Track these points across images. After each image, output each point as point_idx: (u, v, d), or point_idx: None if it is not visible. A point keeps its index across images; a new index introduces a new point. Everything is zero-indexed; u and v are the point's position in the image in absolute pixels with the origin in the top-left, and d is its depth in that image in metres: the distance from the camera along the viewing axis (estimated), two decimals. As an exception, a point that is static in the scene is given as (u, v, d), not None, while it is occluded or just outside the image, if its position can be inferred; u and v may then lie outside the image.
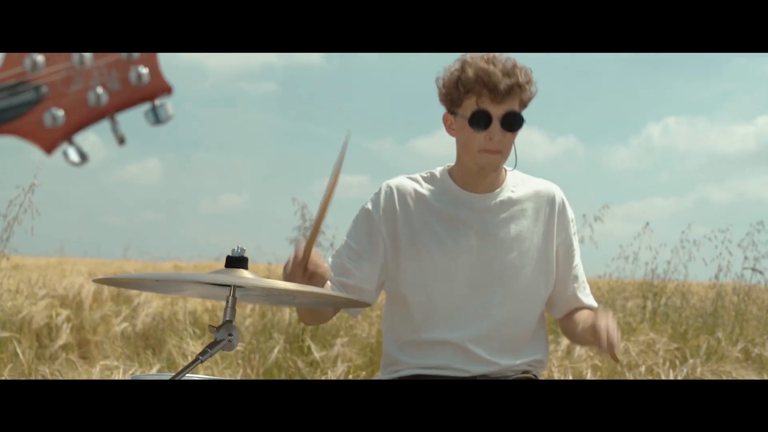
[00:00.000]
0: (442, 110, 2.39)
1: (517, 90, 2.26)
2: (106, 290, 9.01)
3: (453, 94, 2.32)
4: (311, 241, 2.09)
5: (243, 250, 1.87)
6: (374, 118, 16.37)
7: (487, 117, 2.26)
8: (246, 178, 17.34)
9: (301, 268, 2.09)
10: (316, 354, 5.89)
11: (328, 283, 2.29)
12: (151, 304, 7.51)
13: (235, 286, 1.88)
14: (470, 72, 2.27)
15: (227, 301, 1.89)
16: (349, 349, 6.08)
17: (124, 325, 6.87)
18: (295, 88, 18.03)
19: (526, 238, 2.41)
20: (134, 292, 8.30)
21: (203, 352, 1.84)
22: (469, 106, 2.29)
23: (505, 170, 2.46)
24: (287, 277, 2.10)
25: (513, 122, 2.27)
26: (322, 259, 2.18)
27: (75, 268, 11.60)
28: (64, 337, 6.31)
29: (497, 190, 2.42)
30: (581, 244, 7.97)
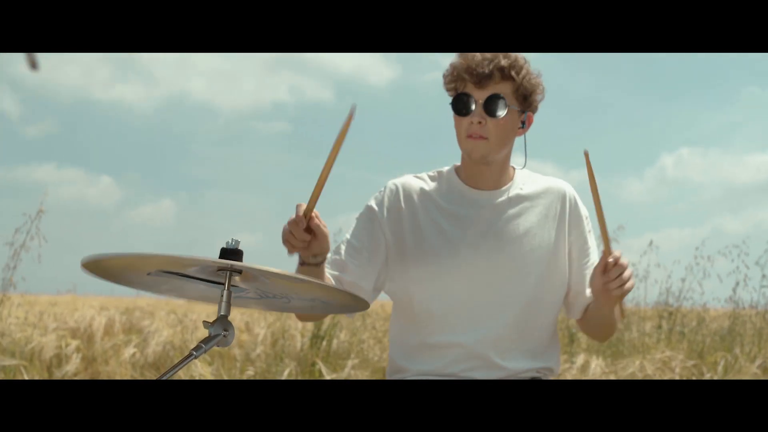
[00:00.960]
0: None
1: (498, 74, 2.21)
2: (118, 322, 9.00)
3: (448, 85, 2.28)
4: (313, 201, 1.99)
5: (237, 243, 1.82)
6: (386, 155, 16.40)
7: (467, 100, 2.22)
8: (259, 216, 17.38)
9: (301, 228, 2.01)
10: (327, 377, 5.83)
11: (326, 274, 2.22)
12: (161, 333, 7.48)
13: (231, 280, 1.83)
14: (456, 60, 2.26)
15: (222, 295, 1.83)
16: (360, 371, 6.02)
17: (134, 351, 6.83)
18: (307, 126, 18.13)
19: (536, 235, 2.33)
20: (146, 322, 8.27)
21: (197, 347, 1.78)
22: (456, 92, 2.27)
23: (514, 168, 2.40)
24: (286, 237, 2.03)
25: (494, 106, 2.20)
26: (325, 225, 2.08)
27: (87, 303, 11.60)
28: (73, 365, 6.27)
29: (505, 187, 2.35)
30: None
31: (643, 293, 8.25)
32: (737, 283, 7.80)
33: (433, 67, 16.87)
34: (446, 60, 2.32)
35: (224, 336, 1.82)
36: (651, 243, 8.12)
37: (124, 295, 14.58)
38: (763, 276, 7.98)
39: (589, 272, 2.38)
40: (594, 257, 2.42)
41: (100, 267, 1.78)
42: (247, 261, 1.77)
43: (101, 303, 12.50)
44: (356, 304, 1.92)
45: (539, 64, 2.29)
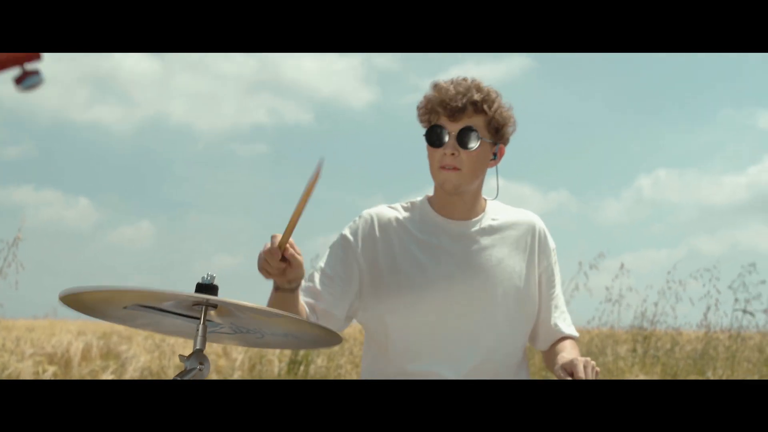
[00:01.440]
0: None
1: (471, 107, 2.27)
2: (95, 347, 8.96)
3: (422, 116, 2.34)
4: (288, 232, 2.03)
5: (213, 278, 1.86)
6: (365, 176, 16.43)
7: (440, 132, 2.28)
8: (239, 238, 17.30)
9: (276, 257, 2.04)
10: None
11: (300, 301, 2.24)
12: (139, 359, 7.47)
13: (206, 315, 1.87)
14: (430, 93, 2.32)
15: (197, 329, 1.87)
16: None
17: (111, 376, 6.82)
18: (286, 148, 18.10)
19: (507, 266, 2.38)
20: (124, 347, 8.26)
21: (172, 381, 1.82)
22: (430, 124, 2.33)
23: (485, 199, 2.45)
24: (262, 264, 2.06)
25: (467, 138, 2.27)
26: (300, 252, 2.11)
27: (64, 327, 11.53)
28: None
29: (477, 217, 2.40)
30: (576, 291, 7.95)
31: (616, 317, 8.33)
32: (708, 308, 7.92)
33: (412, 89, 16.98)
34: (425, 83, 2.36)
35: (200, 370, 1.85)
36: (622, 266, 8.23)
37: (102, 321, 14.46)
38: (736, 300, 8.12)
39: (554, 303, 2.46)
40: (558, 289, 2.50)
41: (78, 300, 1.82)
42: (226, 287, 1.81)
43: (78, 327, 12.41)
44: (329, 338, 1.94)
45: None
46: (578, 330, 2.56)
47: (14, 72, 1.09)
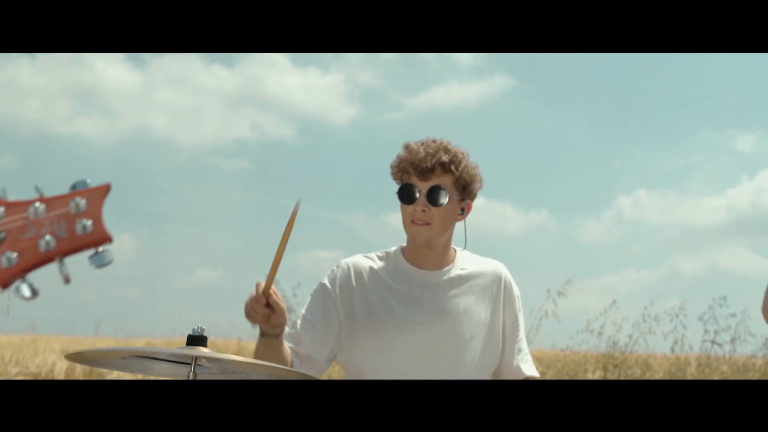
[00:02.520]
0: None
1: (439, 168, 2.44)
2: (79, 367, 9.06)
3: (395, 175, 2.53)
4: (270, 279, 2.22)
5: (202, 329, 2.05)
6: (347, 193, 16.53)
7: (411, 190, 2.46)
8: (220, 253, 17.34)
9: (261, 304, 2.23)
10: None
11: (285, 344, 2.42)
12: (123, 378, 7.58)
13: (196, 363, 2.06)
14: (402, 153, 2.50)
15: (189, 377, 2.05)
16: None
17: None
18: (269, 163, 18.08)
19: (474, 314, 2.55)
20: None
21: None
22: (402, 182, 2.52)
23: (455, 250, 2.62)
24: (248, 314, 2.26)
25: (436, 195, 2.44)
26: (281, 298, 2.29)
27: (48, 346, 11.59)
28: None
29: (447, 267, 2.58)
30: (545, 318, 8.10)
31: (593, 345, 8.50)
32: (675, 342, 8.18)
33: (395, 107, 17.10)
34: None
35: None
36: (614, 303, 8.41)
37: (83, 336, 14.52)
38: (705, 331, 8.38)
39: (518, 346, 2.64)
40: (522, 333, 2.67)
41: (81, 357, 2.03)
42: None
43: (61, 345, 12.47)
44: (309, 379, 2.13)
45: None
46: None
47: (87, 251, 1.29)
